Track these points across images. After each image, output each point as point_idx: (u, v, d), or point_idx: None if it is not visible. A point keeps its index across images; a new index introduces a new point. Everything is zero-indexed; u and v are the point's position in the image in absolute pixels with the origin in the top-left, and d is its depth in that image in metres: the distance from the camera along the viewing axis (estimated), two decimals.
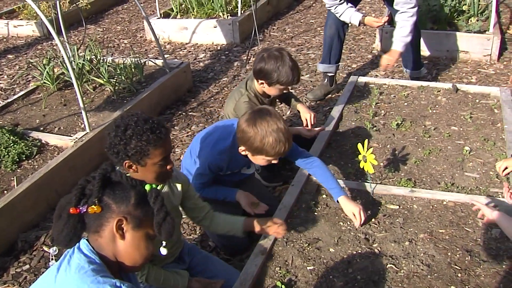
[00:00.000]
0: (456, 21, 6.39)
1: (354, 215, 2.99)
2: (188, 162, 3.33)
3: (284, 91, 3.77)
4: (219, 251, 3.34)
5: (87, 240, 1.82)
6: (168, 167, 2.37)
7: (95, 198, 1.77)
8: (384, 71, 4.60)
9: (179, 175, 2.74)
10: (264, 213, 3.11)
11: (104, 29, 7.99)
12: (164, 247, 2.06)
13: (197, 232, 3.52)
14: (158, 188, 2.14)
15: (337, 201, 3.08)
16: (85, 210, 1.78)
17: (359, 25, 4.72)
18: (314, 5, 8.36)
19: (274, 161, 2.97)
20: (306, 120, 3.89)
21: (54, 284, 1.70)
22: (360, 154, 3.16)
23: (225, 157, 3.08)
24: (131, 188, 1.82)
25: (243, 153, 2.99)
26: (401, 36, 4.44)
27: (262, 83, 3.67)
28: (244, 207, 3.15)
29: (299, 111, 4.04)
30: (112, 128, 2.32)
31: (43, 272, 2.06)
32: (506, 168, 3.38)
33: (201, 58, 6.46)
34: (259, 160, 2.96)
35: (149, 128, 2.26)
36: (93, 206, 1.76)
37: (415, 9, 4.40)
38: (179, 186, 2.67)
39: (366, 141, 3.17)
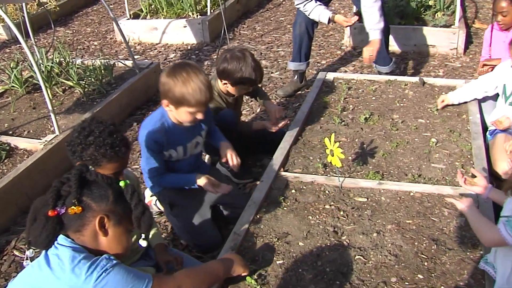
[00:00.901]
0: (423, 16, 6.50)
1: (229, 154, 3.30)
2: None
3: (248, 90, 3.82)
4: (191, 249, 3.35)
5: (64, 235, 1.85)
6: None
7: (74, 198, 1.79)
8: (368, 63, 4.64)
9: (129, 174, 2.80)
10: (227, 193, 3.18)
11: (74, 31, 7.93)
12: (144, 239, 2.11)
13: (169, 231, 3.52)
14: None
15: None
16: (64, 211, 1.80)
17: (328, 23, 4.77)
18: (284, 3, 8.40)
19: (199, 116, 3.00)
20: (274, 114, 3.92)
21: (57, 280, 1.77)
22: (327, 148, 3.20)
23: (158, 128, 3.08)
24: (108, 186, 1.86)
25: (166, 108, 3.03)
26: (374, 24, 4.52)
27: (226, 83, 3.72)
28: (206, 188, 3.15)
29: (265, 108, 4.10)
30: (78, 127, 2.34)
31: (14, 277, 2.06)
32: (443, 101, 4.16)
33: (171, 58, 6.45)
34: (183, 114, 3.00)
35: (110, 143, 2.30)
36: (73, 207, 1.79)
37: None
38: None
39: (332, 135, 3.20)
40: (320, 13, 4.70)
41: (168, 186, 3.26)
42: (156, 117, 3.13)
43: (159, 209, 3.58)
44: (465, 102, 4.25)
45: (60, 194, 1.83)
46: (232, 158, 3.31)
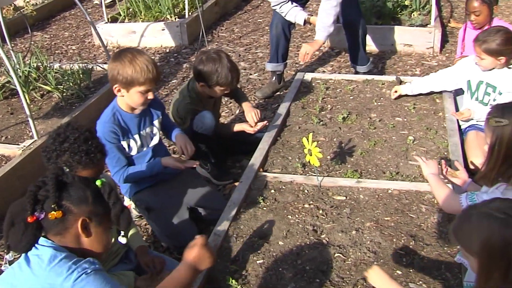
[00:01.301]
0: (399, 15, 6.57)
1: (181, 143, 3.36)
2: None
3: (226, 92, 3.84)
4: (172, 251, 3.35)
5: (44, 237, 1.85)
6: None
7: (53, 203, 1.79)
8: (303, 62, 4.68)
9: (104, 177, 2.79)
10: (194, 167, 3.29)
11: (52, 35, 7.88)
12: (123, 236, 2.12)
13: (149, 233, 3.52)
14: None
15: None
16: (43, 216, 1.80)
17: (304, 24, 4.80)
18: (262, 4, 8.42)
19: (150, 96, 3.08)
20: (252, 117, 3.94)
21: (36, 278, 1.78)
22: (305, 148, 3.22)
23: (111, 119, 3.14)
24: (85, 187, 1.87)
25: (118, 94, 3.09)
26: (326, 25, 4.57)
27: (203, 85, 3.74)
28: (173, 166, 3.23)
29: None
30: (53, 133, 2.34)
31: None
32: (396, 91, 4.35)
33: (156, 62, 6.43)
34: (135, 96, 3.05)
35: (85, 150, 2.31)
36: (53, 212, 1.78)
37: (337, 1, 4.53)
38: None
39: (310, 135, 3.23)
40: (296, 15, 4.73)
41: (134, 179, 3.28)
42: (107, 111, 3.20)
43: (139, 212, 3.58)
44: (420, 94, 4.40)
45: (38, 198, 1.83)
46: (186, 147, 3.34)
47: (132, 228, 2.94)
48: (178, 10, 7.27)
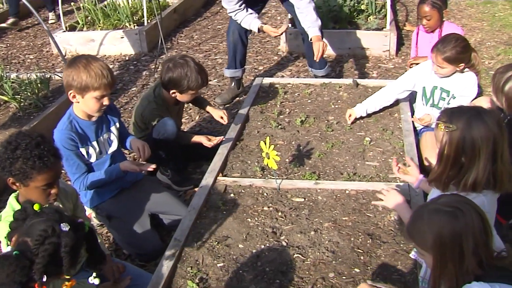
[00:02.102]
0: (356, 20, 6.69)
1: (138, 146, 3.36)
2: None
3: (196, 95, 3.92)
4: (133, 259, 3.35)
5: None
6: (53, 191, 2.40)
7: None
8: (318, 59, 4.73)
9: (67, 188, 2.80)
10: (153, 171, 3.29)
11: (8, 45, 7.76)
12: (95, 277, 2.06)
13: (111, 241, 3.51)
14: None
15: None
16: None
17: (258, 32, 4.85)
18: (221, 11, 8.45)
19: (106, 101, 3.09)
20: (222, 117, 4.05)
21: None
22: (263, 151, 3.26)
23: (68, 127, 3.14)
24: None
25: (73, 100, 3.09)
26: (312, 22, 4.65)
27: (174, 92, 3.77)
28: (131, 169, 3.24)
29: (209, 113, 4.22)
30: (4, 142, 2.32)
31: None
32: (350, 115, 4.13)
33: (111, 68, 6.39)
34: (90, 102, 3.06)
35: (38, 154, 2.28)
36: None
37: None
38: (68, 201, 2.71)
39: (267, 138, 3.27)
40: (250, 23, 4.79)
41: (95, 185, 3.28)
42: (64, 119, 3.19)
43: (100, 221, 3.57)
44: (374, 113, 4.30)
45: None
46: (143, 149, 3.33)
47: None
48: (137, 17, 7.26)
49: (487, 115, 2.33)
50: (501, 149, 2.30)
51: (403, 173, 2.98)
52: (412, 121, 4.11)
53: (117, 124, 3.41)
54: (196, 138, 3.94)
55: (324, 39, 4.73)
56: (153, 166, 3.19)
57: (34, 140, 2.32)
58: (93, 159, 3.28)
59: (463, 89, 3.87)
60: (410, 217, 2.03)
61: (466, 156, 2.30)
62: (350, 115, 4.15)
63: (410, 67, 4.82)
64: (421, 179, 2.91)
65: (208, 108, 4.19)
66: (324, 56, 5.44)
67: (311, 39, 4.68)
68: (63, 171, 3.25)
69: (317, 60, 4.68)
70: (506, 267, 1.91)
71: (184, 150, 4.07)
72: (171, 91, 3.79)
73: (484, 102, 3.53)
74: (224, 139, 3.94)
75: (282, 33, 4.84)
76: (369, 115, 4.23)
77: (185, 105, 4.83)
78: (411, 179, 2.98)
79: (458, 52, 3.72)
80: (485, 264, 1.87)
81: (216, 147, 3.86)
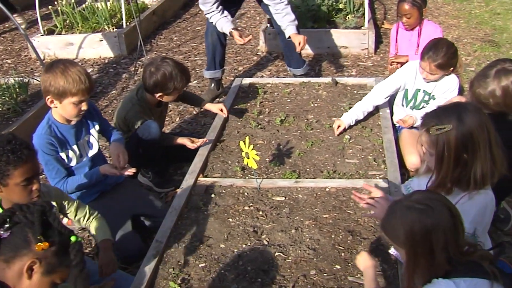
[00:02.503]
0: (334, 18, 6.73)
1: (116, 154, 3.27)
2: None
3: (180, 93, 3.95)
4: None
5: None
6: (34, 187, 2.38)
7: (38, 234, 1.74)
8: (299, 51, 4.86)
9: (50, 191, 2.78)
10: (132, 173, 3.23)
11: None
12: None
13: (93, 245, 3.50)
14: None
15: None
16: (6, 236, 1.75)
17: (230, 35, 4.86)
18: (200, 12, 8.41)
19: (84, 107, 3.08)
20: (221, 110, 4.17)
21: None
22: (243, 151, 3.27)
23: (47, 131, 3.13)
24: (57, 234, 1.81)
25: (51, 105, 3.08)
26: (290, 21, 4.75)
27: (160, 95, 3.77)
28: (111, 173, 3.23)
29: (207, 109, 4.37)
30: None
31: None
32: (339, 126, 3.98)
33: (89, 73, 6.35)
34: (68, 107, 3.06)
35: (10, 149, 2.27)
36: (39, 243, 1.74)
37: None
38: (53, 203, 2.68)
39: (247, 138, 3.29)
40: (223, 26, 4.81)
41: (75, 189, 3.26)
42: (43, 124, 3.18)
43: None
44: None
45: (13, 219, 1.78)
46: (118, 158, 3.26)
47: (97, 220, 2.98)
48: (115, 20, 7.22)
49: (471, 106, 2.36)
50: (493, 133, 2.30)
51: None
52: (391, 118, 4.14)
53: (97, 127, 3.40)
54: (180, 140, 3.94)
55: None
56: (133, 170, 3.19)
57: (5, 137, 2.31)
58: (73, 163, 3.27)
59: (445, 91, 3.90)
60: (385, 214, 2.06)
61: (467, 151, 2.26)
62: (338, 126, 4.00)
63: (391, 65, 4.85)
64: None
65: (207, 105, 4.29)
66: (303, 55, 5.50)
67: (289, 37, 4.72)
68: (42, 175, 3.25)
69: (244, 41, 4.76)
70: (476, 261, 1.94)
71: (165, 152, 4.07)
72: (158, 95, 3.80)
73: (457, 100, 3.56)
74: (207, 140, 3.96)
75: (246, 43, 4.83)
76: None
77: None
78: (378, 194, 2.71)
79: (450, 58, 3.77)
80: (453, 260, 1.92)
81: (197, 149, 3.86)
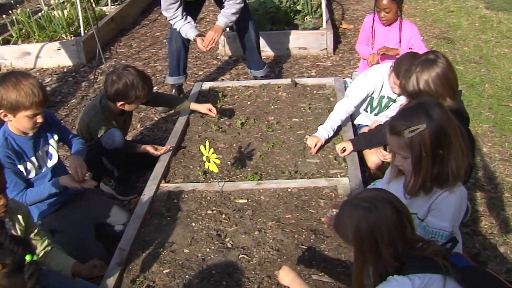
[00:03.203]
0: (293, 20, 6.78)
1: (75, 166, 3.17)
2: None
3: (143, 102, 3.94)
4: None
5: None
6: (0, 202, 2.34)
7: None
8: (206, 48, 4.82)
9: (20, 207, 2.72)
10: (93, 187, 3.20)
11: None
12: None
13: None
14: None
15: None
16: None
17: (194, 40, 4.87)
18: (159, 18, 8.41)
19: (39, 119, 3.03)
20: (210, 109, 4.22)
21: None
22: (203, 155, 3.28)
23: (3, 144, 3.07)
24: (9, 253, 1.70)
25: (5, 119, 3.02)
26: (227, 14, 4.83)
27: (122, 104, 3.75)
28: (71, 186, 3.15)
29: (194, 110, 4.40)
30: None
31: None
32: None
33: (47, 83, 6.29)
34: (23, 121, 3.00)
35: None
36: None
37: (241, 3, 4.80)
38: (20, 218, 2.65)
39: (207, 142, 3.29)
40: (186, 32, 4.83)
41: (35, 201, 3.20)
42: None
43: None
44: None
45: None
46: (77, 171, 3.18)
47: (56, 253, 2.89)
48: (73, 28, 7.16)
49: (432, 101, 2.37)
50: (458, 124, 2.33)
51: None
52: (351, 116, 4.19)
53: (56, 137, 3.36)
54: (143, 148, 3.93)
55: (219, 36, 4.94)
56: (94, 183, 3.16)
57: None
58: (32, 175, 3.22)
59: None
60: (336, 213, 2.10)
61: (443, 147, 2.26)
62: (315, 144, 3.79)
63: (372, 61, 4.69)
64: None
65: (192, 106, 4.34)
66: (263, 57, 5.53)
67: (214, 26, 4.89)
68: None
69: (206, 49, 4.80)
70: (429, 256, 1.98)
71: (128, 159, 4.05)
72: (119, 104, 3.78)
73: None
74: (170, 148, 3.94)
75: (207, 50, 4.86)
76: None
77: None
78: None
79: None
80: (402, 256, 1.96)
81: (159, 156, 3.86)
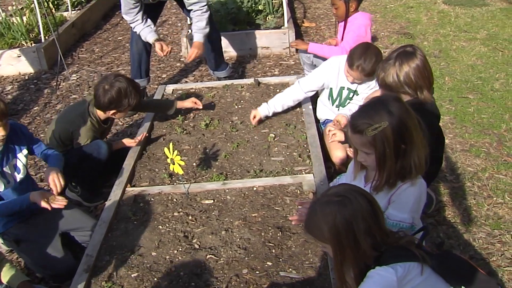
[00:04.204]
0: (255, 20, 6.80)
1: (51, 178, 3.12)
2: None
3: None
4: (47, 281, 3.28)
5: None
6: None
7: None
8: (189, 61, 4.85)
9: None
10: (63, 208, 3.06)
11: None
12: None
13: (22, 266, 3.43)
14: None
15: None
16: None
17: (153, 45, 4.86)
18: (121, 22, 8.36)
19: (1, 132, 2.98)
20: (195, 103, 4.26)
21: None
22: (168, 158, 3.28)
23: None
24: None
25: None
26: (200, 29, 4.78)
27: (114, 112, 3.74)
28: (40, 204, 3.01)
29: (181, 107, 4.36)
30: None
31: None
32: (255, 116, 4.14)
33: (8, 91, 6.19)
34: None
35: None
36: None
37: (206, 6, 4.74)
38: None
39: (171, 144, 3.29)
40: (146, 36, 4.81)
41: (3, 214, 3.16)
42: None
43: (8, 246, 3.47)
44: (281, 112, 4.31)
45: None
46: (54, 181, 3.13)
47: (8, 269, 2.82)
48: (33, 35, 7.06)
49: (390, 96, 2.41)
50: (416, 116, 2.35)
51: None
52: (314, 113, 4.24)
53: (25, 151, 3.30)
54: (118, 144, 3.97)
55: (201, 51, 4.91)
56: (64, 203, 3.04)
57: None
58: (0, 189, 3.17)
59: (368, 86, 3.96)
60: (306, 215, 2.09)
61: (405, 141, 2.28)
62: (254, 116, 4.16)
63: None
64: None
65: (178, 104, 4.33)
66: (226, 58, 5.55)
67: (193, 43, 4.85)
68: None
69: (163, 54, 4.80)
70: (405, 246, 2.02)
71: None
72: (112, 112, 3.78)
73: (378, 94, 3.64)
74: (146, 134, 4.04)
75: (166, 55, 4.84)
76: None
77: None
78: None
79: (377, 64, 3.74)
80: (381, 245, 1.99)
81: (124, 159, 3.84)
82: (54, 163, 3.33)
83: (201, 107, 4.31)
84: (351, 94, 4.05)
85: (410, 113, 2.33)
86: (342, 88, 4.06)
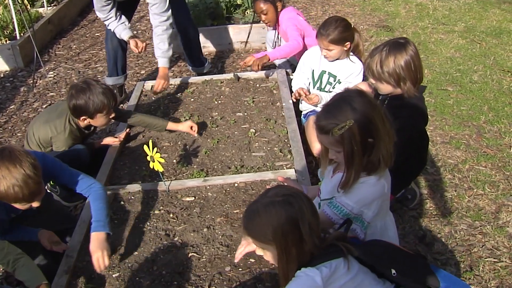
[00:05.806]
0: (233, 15, 6.76)
1: (96, 257, 2.74)
2: None
3: (112, 116, 3.79)
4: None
5: None
6: None
7: None
8: (157, 92, 4.52)
9: None
10: (62, 252, 2.96)
11: None
12: None
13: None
14: None
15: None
16: None
17: (127, 42, 4.79)
18: (98, 18, 8.23)
19: (34, 204, 2.71)
20: (191, 127, 3.97)
21: None
22: (147, 155, 3.24)
23: None
24: None
25: None
26: (163, 52, 4.56)
27: (85, 119, 3.67)
28: (43, 243, 2.96)
29: (174, 130, 4.10)
30: None
31: None
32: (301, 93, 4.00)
33: None
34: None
35: None
36: None
37: (168, 22, 4.55)
38: None
39: (150, 141, 3.25)
40: (120, 33, 4.72)
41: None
42: None
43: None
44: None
45: None
46: (98, 261, 2.74)
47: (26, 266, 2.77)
48: (8, 32, 6.94)
49: (353, 92, 2.38)
50: (381, 108, 2.35)
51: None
52: (296, 103, 4.22)
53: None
54: (99, 142, 3.94)
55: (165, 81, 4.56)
56: (64, 247, 2.97)
57: None
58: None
59: (349, 75, 3.97)
60: (244, 218, 2.07)
61: (372, 135, 2.27)
62: (302, 93, 3.99)
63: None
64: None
65: (170, 126, 4.05)
66: (205, 53, 5.50)
67: (159, 69, 4.61)
68: None
69: (139, 51, 4.65)
70: (332, 243, 2.04)
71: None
72: (82, 118, 3.69)
73: (362, 87, 3.62)
74: (129, 131, 4.01)
75: (140, 52, 4.73)
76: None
77: None
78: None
79: (341, 32, 3.77)
80: (318, 243, 2.00)
81: (103, 158, 3.79)
82: (99, 221, 2.92)
83: (196, 135, 3.99)
84: (332, 79, 4.05)
85: (374, 106, 2.31)
86: (323, 72, 4.08)
